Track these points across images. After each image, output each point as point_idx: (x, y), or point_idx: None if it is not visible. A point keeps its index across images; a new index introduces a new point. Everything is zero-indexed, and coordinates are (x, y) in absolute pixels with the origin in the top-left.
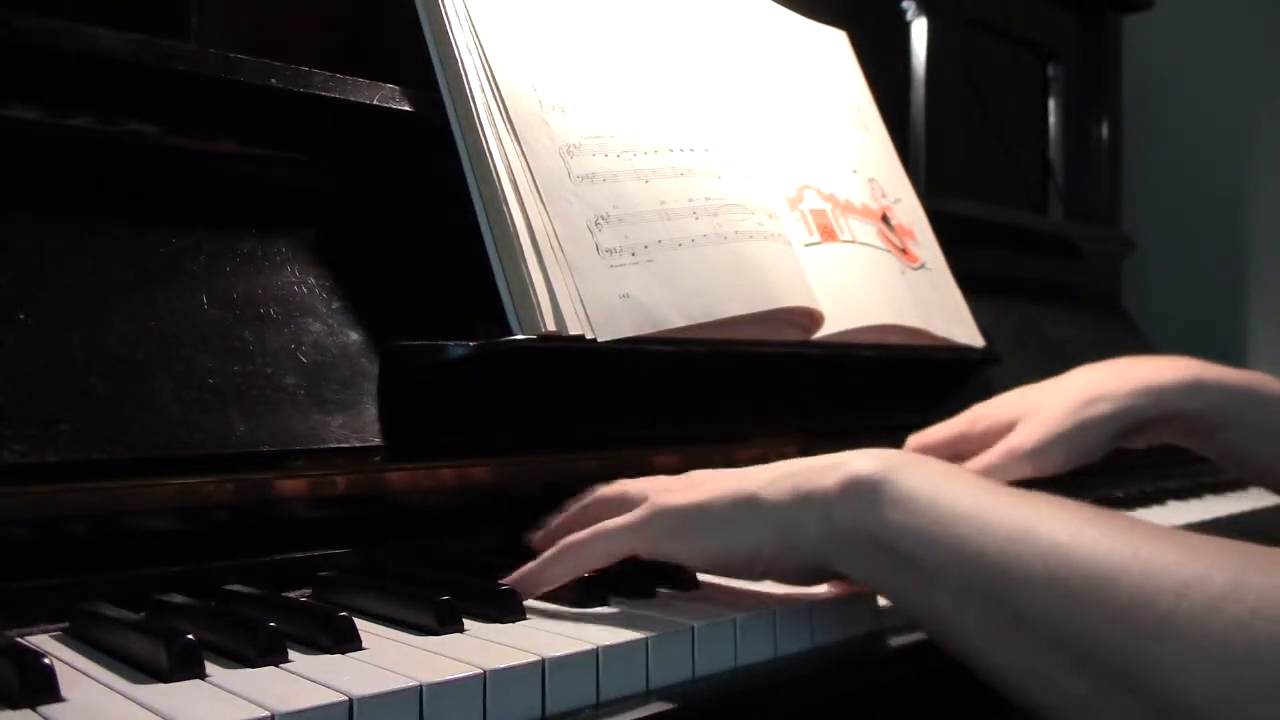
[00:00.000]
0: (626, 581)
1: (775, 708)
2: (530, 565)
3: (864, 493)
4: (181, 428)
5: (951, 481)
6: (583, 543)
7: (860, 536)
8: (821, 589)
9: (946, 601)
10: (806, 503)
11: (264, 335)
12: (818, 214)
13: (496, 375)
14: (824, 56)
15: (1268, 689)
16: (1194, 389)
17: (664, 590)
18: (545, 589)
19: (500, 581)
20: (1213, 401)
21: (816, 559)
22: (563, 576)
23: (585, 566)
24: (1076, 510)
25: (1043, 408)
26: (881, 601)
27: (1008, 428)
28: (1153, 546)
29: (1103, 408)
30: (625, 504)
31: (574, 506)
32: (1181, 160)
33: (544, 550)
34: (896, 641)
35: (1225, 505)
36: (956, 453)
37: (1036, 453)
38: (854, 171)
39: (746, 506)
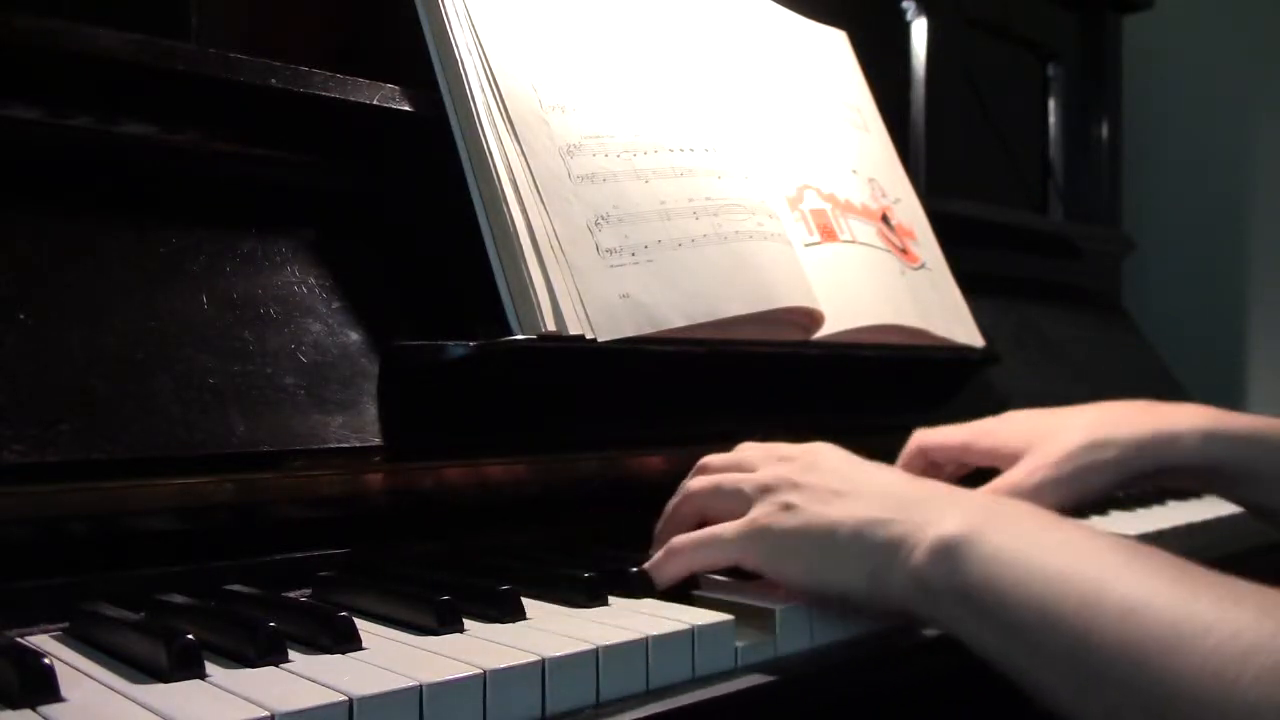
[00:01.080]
0: (627, 581)
1: (775, 707)
2: (646, 565)
3: (950, 552)
4: (181, 428)
5: (1034, 536)
6: (690, 548)
7: (944, 593)
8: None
9: (1029, 660)
10: (893, 558)
11: (264, 335)
12: (818, 214)
13: (496, 375)
14: (824, 56)
15: None
16: (1208, 439)
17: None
18: (662, 587)
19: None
20: (1228, 453)
21: (904, 606)
22: (674, 579)
23: (693, 570)
24: (1153, 566)
25: (1049, 443)
26: None
27: (1012, 455)
28: (1224, 606)
29: (1108, 454)
30: (719, 495)
31: (671, 504)
32: (1181, 160)
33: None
34: (897, 642)
35: (1227, 506)
36: (959, 461)
37: (1035, 493)
38: (854, 171)
39: (839, 550)
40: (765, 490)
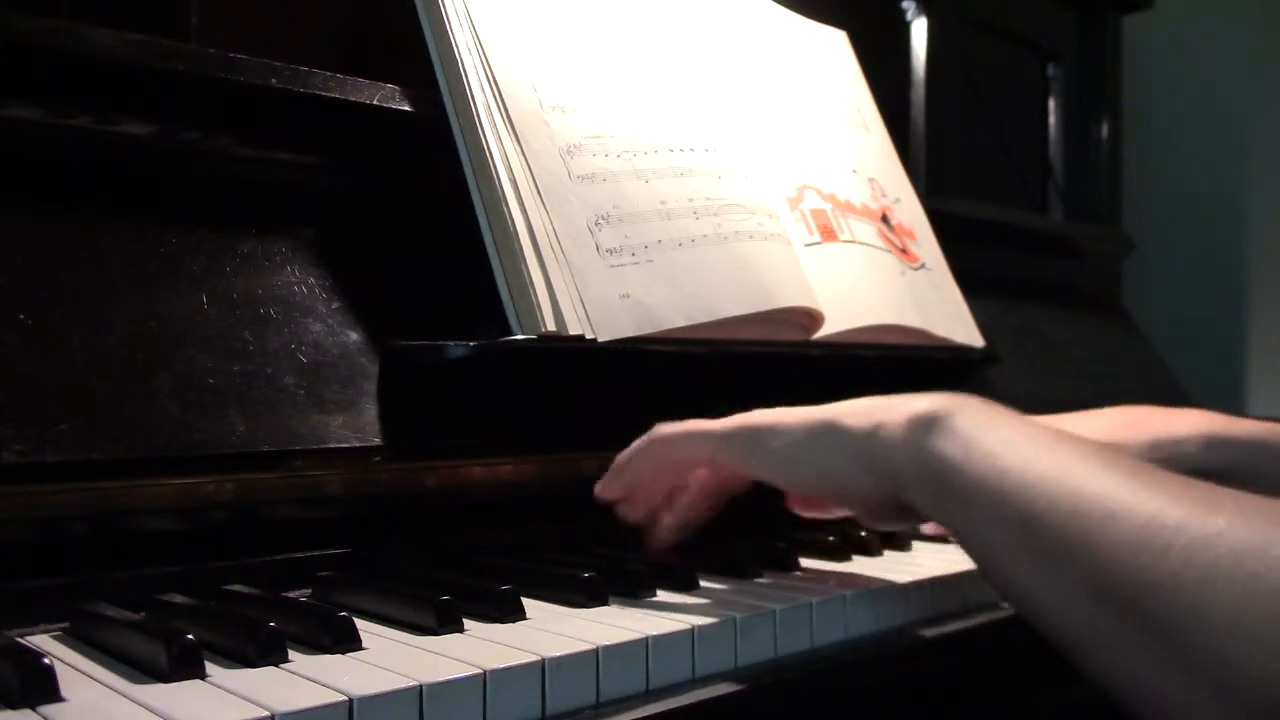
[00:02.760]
0: (627, 581)
1: (775, 708)
2: (620, 456)
3: (922, 426)
4: (181, 428)
5: (1002, 423)
6: (673, 435)
7: (918, 467)
8: (819, 590)
9: (985, 528)
10: (878, 433)
11: (264, 335)
12: (818, 214)
13: (496, 375)
14: (824, 56)
15: (1249, 615)
16: (1209, 445)
17: (664, 590)
18: (636, 473)
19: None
20: (1230, 459)
21: (890, 485)
22: (649, 463)
23: (670, 459)
24: (1112, 458)
25: None
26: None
27: None
28: (1163, 488)
29: None
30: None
31: (636, 442)
32: (1181, 160)
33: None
34: (897, 642)
35: None
36: None
37: None
38: (854, 171)
39: (826, 430)
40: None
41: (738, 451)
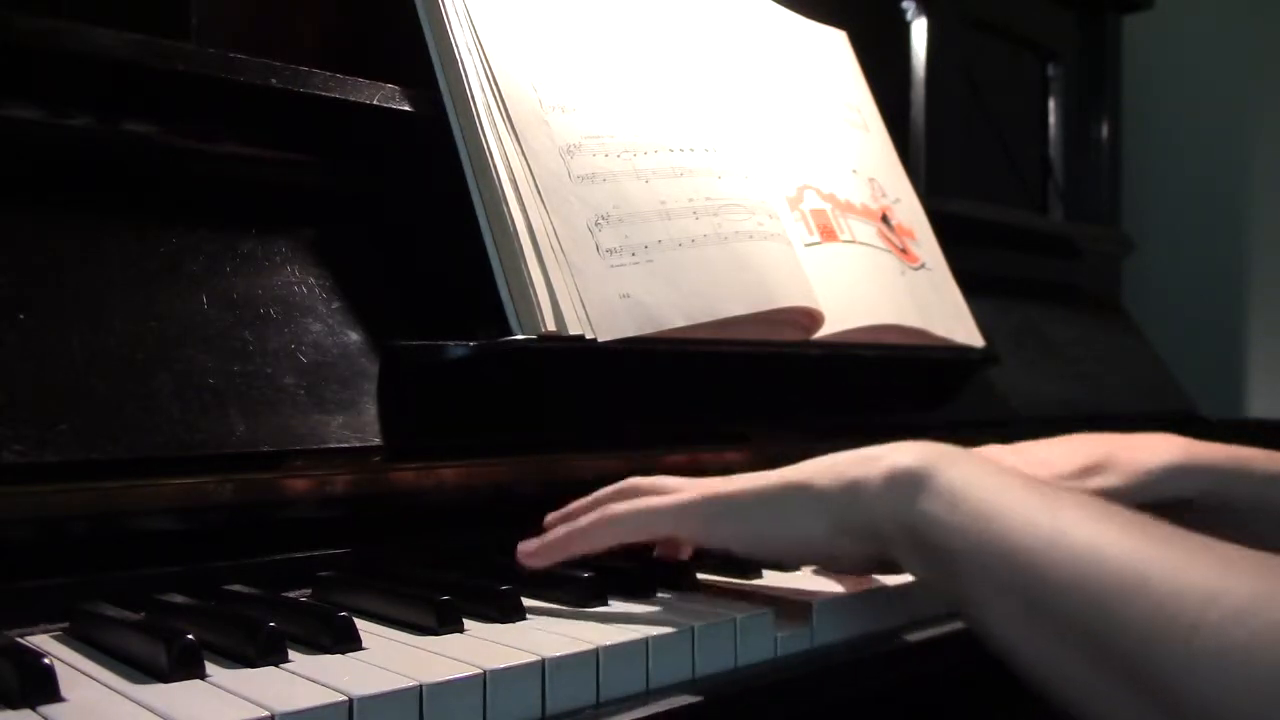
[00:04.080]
0: (626, 581)
1: (775, 708)
2: (564, 529)
3: (904, 485)
4: (181, 428)
5: (991, 476)
6: (624, 514)
7: (901, 528)
8: (820, 589)
9: (983, 597)
10: (852, 492)
11: (264, 335)
12: (818, 214)
13: (496, 375)
14: (824, 56)
15: None
16: (1180, 473)
17: (664, 590)
18: (578, 553)
19: (531, 543)
20: (1201, 487)
21: (873, 546)
22: (598, 544)
23: (622, 538)
24: (1113, 515)
25: None
26: (889, 597)
27: None
28: (1182, 555)
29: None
30: (663, 491)
31: (605, 490)
32: (1181, 160)
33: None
34: (897, 642)
35: None
36: None
37: None
38: (854, 171)
39: (797, 494)
40: (687, 483)
41: (698, 525)
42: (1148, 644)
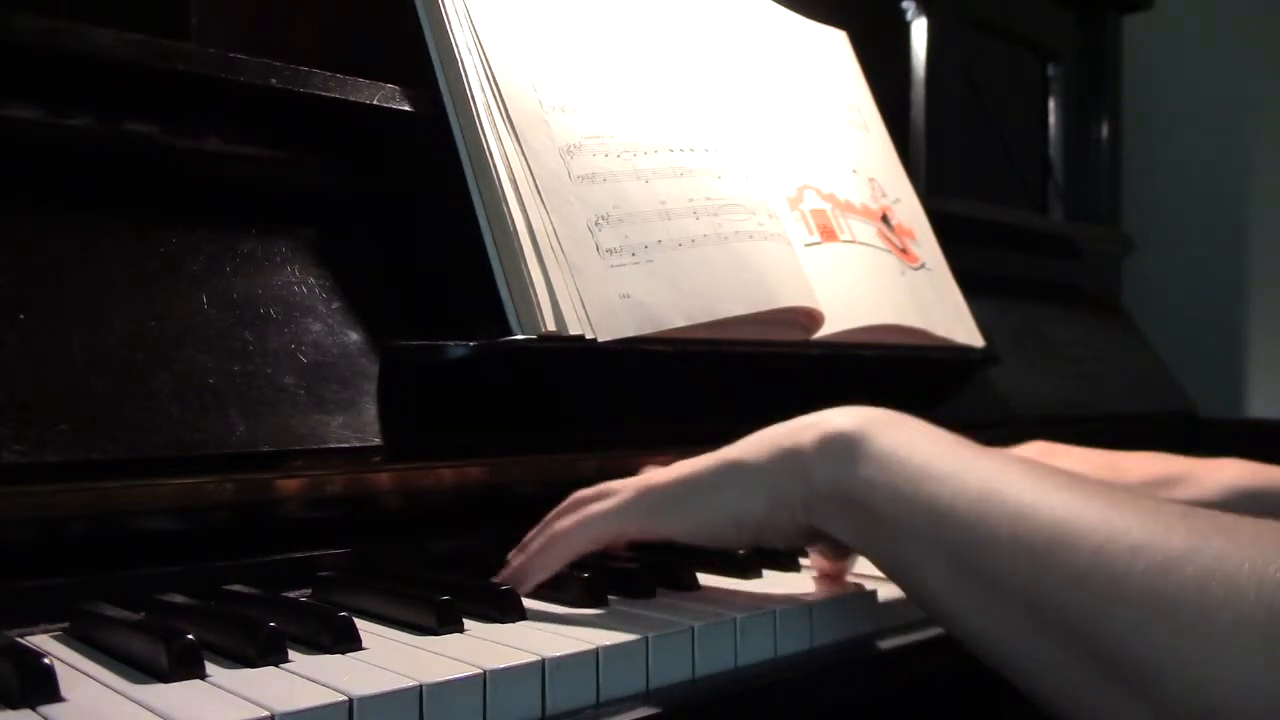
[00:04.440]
0: (626, 581)
1: (775, 708)
2: (520, 559)
3: (840, 449)
4: (181, 428)
5: (925, 440)
6: (569, 529)
7: (837, 494)
8: (820, 590)
9: (917, 559)
10: (787, 461)
11: (264, 335)
12: (818, 214)
13: (496, 375)
14: (824, 56)
15: (1219, 650)
16: (1248, 499)
17: (664, 590)
18: (537, 580)
19: (493, 580)
20: (1268, 510)
21: (804, 517)
22: (553, 565)
23: (574, 552)
24: (1045, 473)
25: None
26: (881, 597)
27: None
28: (1113, 509)
29: None
30: (606, 496)
31: (552, 512)
32: (1181, 160)
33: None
34: (896, 642)
35: None
36: None
37: None
38: (854, 171)
39: (731, 472)
40: (636, 479)
41: (642, 519)
42: (1077, 595)
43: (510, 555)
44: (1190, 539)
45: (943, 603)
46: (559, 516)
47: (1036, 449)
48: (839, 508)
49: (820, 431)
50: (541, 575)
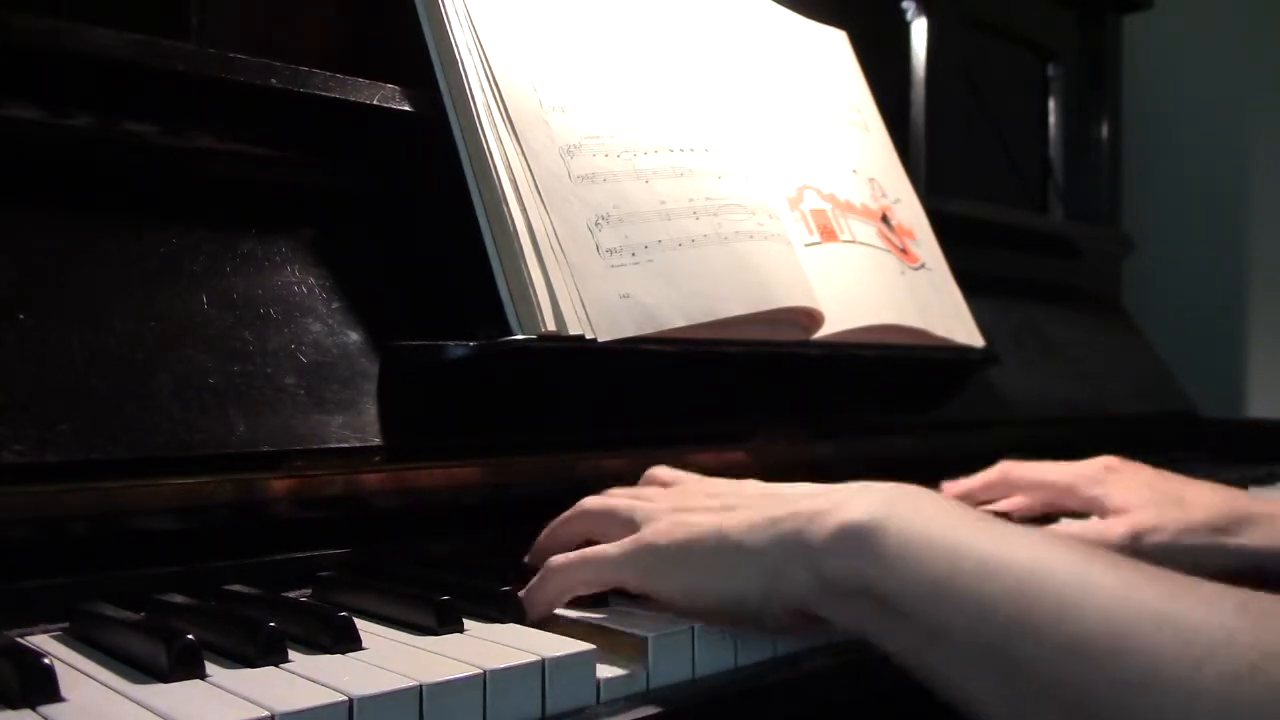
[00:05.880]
0: None
1: (775, 708)
2: (521, 593)
3: (858, 542)
4: (181, 428)
5: (951, 523)
6: (569, 567)
7: (854, 589)
8: None
9: (952, 659)
10: (792, 552)
11: (264, 335)
12: (818, 214)
13: (496, 375)
14: (824, 56)
15: None
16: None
17: None
18: (539, 616)
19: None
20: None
21: (804, 607)
22: (551, 603)
23: (572, 592)
24: (1088, 559)
25: (1174, 510)
26: None
27: (1118, 511)
28: (1172, 604)
29: (1230, 543)
30: (613, 520)
31: (560, 520)
32: (1181, 160)
33: (538, 563)
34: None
35: None
36: (1053, 502)
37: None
38: (854, 171)
39: (730, 553)
40: (654, 516)
41: (640, 577)
42: (1140, 703)
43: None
44: (1260, 638)
45: (982, 705)
46: (555, 537)
47: (1103, 464)
48: (855, 603)
49: (834, 521)
50: (541, 611)
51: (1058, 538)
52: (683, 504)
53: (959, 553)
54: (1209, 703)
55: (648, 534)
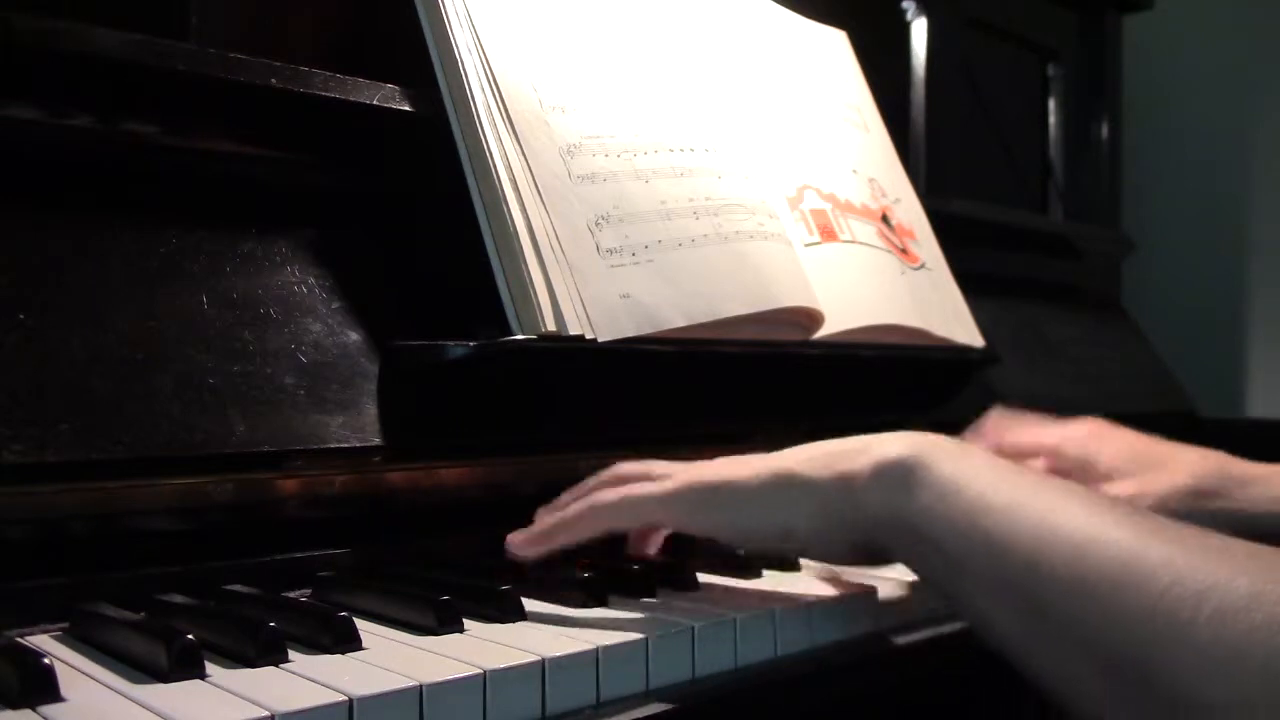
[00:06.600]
0: (626, 581)
1: (775, 708)
2: (551, 518)
3: (894, 477)
4: (181, 428)
5: (982, 468)
6: (612, 504)
7: (893, 521)
8: (819, 590)
9: (975, 590)
10: (841, 483)
11: (264, 335)
12: (818, 214)
13: (496, 375)
14: (824, 56)
15: None
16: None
17: (664, 589)
18: (564, 542)
19: (519, 534)
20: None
21: (862, 538)
22: (585, 533)
23: (611, 527)
24: (1106, 506)
25: (1154, 473)
26: (882, 596)
27: (1103, 474)
28: (1176, 547)
29: (1214, 505)
30: (651, 478)
31: (593, 479)
32: (1181, 160)
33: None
34: (896, 641)
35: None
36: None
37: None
38: (854, 171)
39: (784, 483)
40: (679, 468)
41: (683, 514)
42: (1141, 637)
43: (539, 512)
44: (1256, 583)
45: (1001, 631)
46: (600, 486)
47: (1088, 428)
48: (897, 535)
49: (874, 457)
50: (570, 539)
51: (1074, 487)
52: (721, 463)
53: (984, 494)
54: (1203, 633)
55: (694, 475)
